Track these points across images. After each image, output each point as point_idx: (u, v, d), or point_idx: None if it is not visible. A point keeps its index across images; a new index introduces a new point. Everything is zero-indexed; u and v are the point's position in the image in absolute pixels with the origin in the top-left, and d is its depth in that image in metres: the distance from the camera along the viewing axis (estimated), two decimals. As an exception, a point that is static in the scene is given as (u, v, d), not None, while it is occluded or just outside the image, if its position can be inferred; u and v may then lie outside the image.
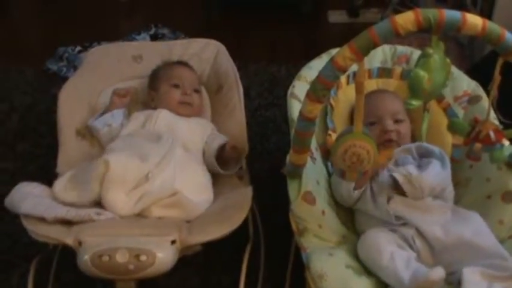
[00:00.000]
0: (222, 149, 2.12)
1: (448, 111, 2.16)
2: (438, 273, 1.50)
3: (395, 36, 1.40)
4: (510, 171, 1.87)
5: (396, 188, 1.82)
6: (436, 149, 1.98)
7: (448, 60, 1.51)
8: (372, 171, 1.83)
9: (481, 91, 2.15)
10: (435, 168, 1.87)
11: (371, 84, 2.26)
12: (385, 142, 2.00)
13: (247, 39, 3.73)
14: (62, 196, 1.84)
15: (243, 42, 3.63)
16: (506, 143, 1.83)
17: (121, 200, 1.82)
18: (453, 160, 2.06)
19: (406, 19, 1.37)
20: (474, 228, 1.71)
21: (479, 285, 1.51)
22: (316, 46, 2.24)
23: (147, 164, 1.89)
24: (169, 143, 2.02)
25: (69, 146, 2.17)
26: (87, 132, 2.25)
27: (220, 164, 2.12)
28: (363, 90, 1.47)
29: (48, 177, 1.99)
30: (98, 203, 1.83)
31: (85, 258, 1.60)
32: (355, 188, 1.85)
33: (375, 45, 1.40)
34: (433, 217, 1.76)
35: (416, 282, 1.51)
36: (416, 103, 1.48)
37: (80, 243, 1.64)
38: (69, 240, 1.65)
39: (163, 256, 1.61)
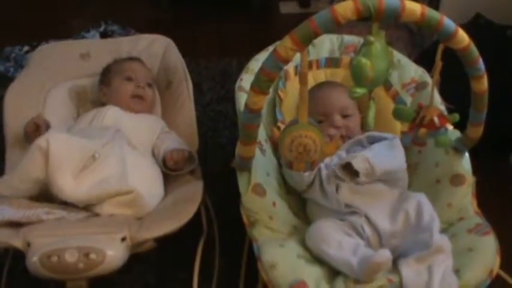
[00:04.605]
0: (171, 154, 2.07)
1: (396, 99, 2.17)
2: (384, 255, 1.52)
3: (336, 26, 1.39)
4: (457, 155, 1.89)
5: (346, 169, 1.81)
6: (387, 134, 1.98)
7: (389, 47, 1.52)
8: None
9: (427, 77, 2.17)
10: (380, 148, 1.87)
11: (319, 74, 2.27)
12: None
13: (198, 33, 3.72)
14: (3, 189, 1.79)
15: (194, 36, 3.62)
16: (451, 127, 1.86)
17: (69, 184, 1.79)
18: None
19: (345, 8, 1.36)
20: (416, 205, 1.73)
21: (419, 274, 1.53)
22: (268, 38, 2.22)
23: (92, 142, 1.86)
24: (114, 130, 2.00)
25: (17, 148, 2.11)
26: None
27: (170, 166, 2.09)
28: (306, 81, 1.48)
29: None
30: (45, 192, 1.80)
31: (34, 260, 1.58)
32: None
33: (316, 35, 1.39)
34: (381, 203, 1.78)
35: (365, 266, 1.52)
36: (360, 91, 1.48)
37: (28, 245, 1.62)
38: (17, 243, 1.63)
39: (113, 254, 1.61)
